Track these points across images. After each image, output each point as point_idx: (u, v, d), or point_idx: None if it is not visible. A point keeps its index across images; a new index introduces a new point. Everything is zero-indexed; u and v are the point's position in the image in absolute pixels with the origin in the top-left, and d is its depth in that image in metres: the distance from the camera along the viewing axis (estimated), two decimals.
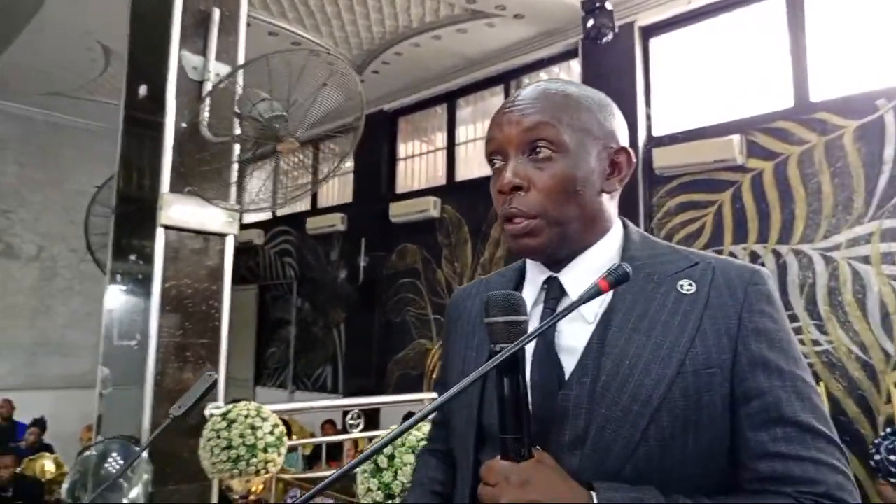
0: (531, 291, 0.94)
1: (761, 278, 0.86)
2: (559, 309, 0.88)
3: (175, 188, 3.07)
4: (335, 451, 5.70)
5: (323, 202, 8.59)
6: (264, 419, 2.64)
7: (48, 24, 6.09)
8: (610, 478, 0.77)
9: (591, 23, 5.10)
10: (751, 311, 0.82)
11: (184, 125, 3.11)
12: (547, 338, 0.86)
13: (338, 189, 8.44)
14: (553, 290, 0.91)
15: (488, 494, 0.74)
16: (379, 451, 0.64)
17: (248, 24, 5.91)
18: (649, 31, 5.65)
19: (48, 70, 7.18)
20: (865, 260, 4.32)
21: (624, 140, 0.94)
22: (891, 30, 4.46)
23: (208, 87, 3.23)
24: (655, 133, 5.49)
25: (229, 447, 2.52)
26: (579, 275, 0.89)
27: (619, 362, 0.81)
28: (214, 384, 0.88)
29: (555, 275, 0.91)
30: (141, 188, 3.25)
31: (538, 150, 0.87)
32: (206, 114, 3.15)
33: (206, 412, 2.90)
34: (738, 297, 0.83)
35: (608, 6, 5.06)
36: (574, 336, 0.86)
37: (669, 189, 5.29)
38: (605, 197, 0.92)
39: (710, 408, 0.79)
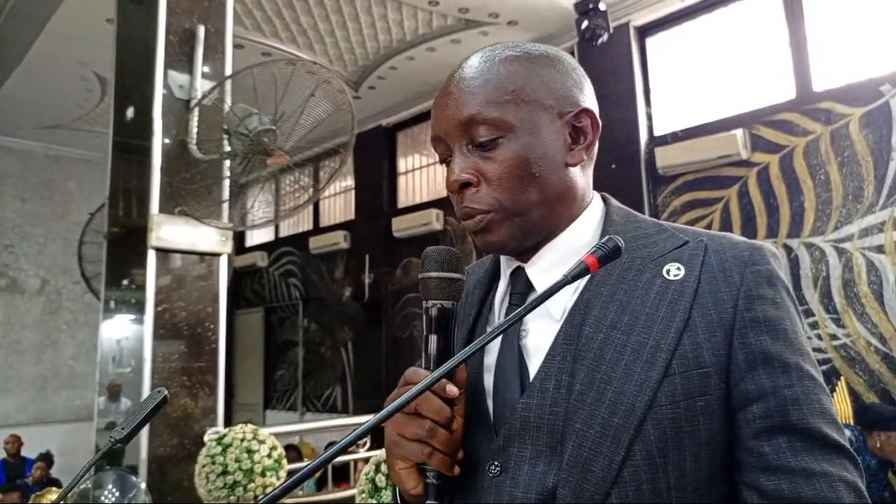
0: (502, 284, 0.83)
1: (762, 257, 0.72)
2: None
3: (165, 209, 3.00)
4: (344, 473, 5.57)
5: (325, 221, 8.53)
6: (261, 442, 2.53)
7: (43, 58, 6.10)
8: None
9: (585, 24, 5.05)
10: (749, 297, 0.70)
11: (169, 143, 3.05)
12: (512, 338, 0.76)
13: (340, 207, 8.39)
14: (519, 284, 0.81)
15: None
16: (334, 456, 0.56)
17: (242, 46, 5.95)
18: (645, 31, 5.59)
19: (46, 103, 7.19)
20: (879, 249, 4.19)
21: (586, 100, 0.80)
22: (891, 14, 4.37)
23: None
24: (657, 132, 5.41)
25: (225, 472, 2.42)
26: (546, 265, 0.79)
27: (595, 367, 0.69)
28: (164, 401, 0.79)
29: (521, 265, 0.81)
30: (131, 212, 3.20)
31: (482, 137, 0.75)
32: (195, 131, 3.09)
33: (206, 437, 2.81)
34: (734, 282, 0.70)
35: (602, 7, 5.01)
36: (543, 335, 0.75)
37: (674, 188, 5.19)
38: (572, 171, 0.79)
39: (706, 416, 0.66)
